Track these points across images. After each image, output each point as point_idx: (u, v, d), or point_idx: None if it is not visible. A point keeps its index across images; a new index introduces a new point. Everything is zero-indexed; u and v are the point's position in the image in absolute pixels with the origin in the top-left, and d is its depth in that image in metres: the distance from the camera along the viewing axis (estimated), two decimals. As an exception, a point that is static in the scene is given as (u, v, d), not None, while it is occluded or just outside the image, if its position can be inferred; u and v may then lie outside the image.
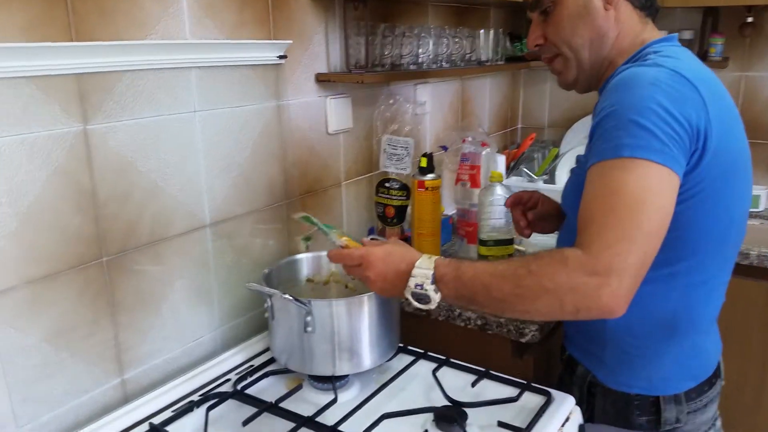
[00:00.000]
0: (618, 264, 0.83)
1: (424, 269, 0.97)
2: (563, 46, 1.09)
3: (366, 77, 1.46)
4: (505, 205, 1.37)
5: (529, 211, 1.32)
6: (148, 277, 1.14)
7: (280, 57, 1.33)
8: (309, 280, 1.32)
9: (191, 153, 1.19)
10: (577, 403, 1.12)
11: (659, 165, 0.86)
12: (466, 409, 1.06)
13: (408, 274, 0.98)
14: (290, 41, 1.35)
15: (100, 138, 1.02)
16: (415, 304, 0.99)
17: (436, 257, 0.99)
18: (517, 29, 2.42)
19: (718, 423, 1.17)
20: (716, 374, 1.13)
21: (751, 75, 2.23)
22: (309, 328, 1.09)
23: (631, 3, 1.06)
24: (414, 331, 1.36)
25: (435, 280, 0.96)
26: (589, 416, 1.13)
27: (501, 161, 1.69)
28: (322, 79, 1.48)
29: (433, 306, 0.97)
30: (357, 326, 1.12)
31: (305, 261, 1.31)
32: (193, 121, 1.18)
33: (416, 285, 0.96)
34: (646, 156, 0.86)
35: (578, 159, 1.11)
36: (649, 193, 0.86)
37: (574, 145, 2.35)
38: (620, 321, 1.04)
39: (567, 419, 1.08)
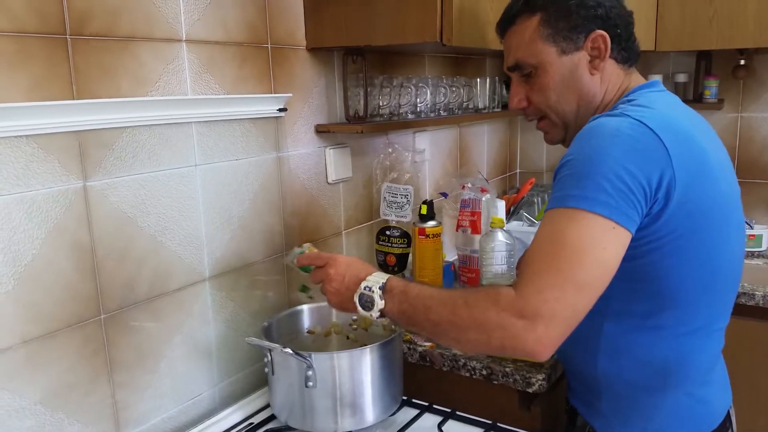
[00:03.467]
0: (545, 311, 0.84)
1: (377, 277, 1.01)
2: (549, 112, 1.10)
3: (365, 127, 1.47)
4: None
5: None
6: (146, 333, 1.12)
7: (281, 110, 1.35)
8: (310, 332, 1.30)
9: (191, 207, 1.19)
10: None
11: (604, 218, 0.86)
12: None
13: (363, 279, 1.02)
14: (290, 94, 1.37)
15: (100, 194, 1.03)
16: (360, 309, 1.01)
17: (389, 276, 1.02)
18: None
19: None
20: (725, 425, 1.08)
21: (746, 116, 2.25)
22: (310, 383, 1.07)
23: (614, 60, 1.07)
24: (418, 383, 1.34)
25: (384, 289, 0.99)
26: None
27: (501, 207, 1.69)
28: (321, 130, 1.49)
29: (374, 315, 0.99)
30: (360, 379, 1.10)
31: (306, 313, 1.30)
32: (194, 175, 1.19)
33: (365, 287, 1.00)
34: (590, 208, 0.86)
35: None
36: (590, 245, 0.86)
37: (574, 188, 2.35)
38: (611, 369, 1.04)
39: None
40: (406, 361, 1.38)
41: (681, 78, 2.29)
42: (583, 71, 1.06)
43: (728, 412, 1.11)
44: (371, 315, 1.00)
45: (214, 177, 1.23)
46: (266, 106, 1.31)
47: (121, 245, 1.07)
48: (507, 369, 1.30)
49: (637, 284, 0.96)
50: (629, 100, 1.01)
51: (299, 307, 1.29)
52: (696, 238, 0.94)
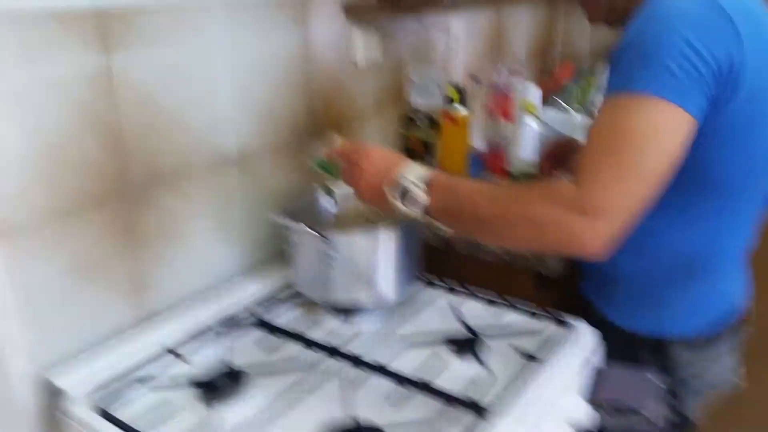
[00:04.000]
0: (609, 206, 0.79)
1: (419, 170, 0.93)
2: None
3: (396, 8, 1.41)
4: (541, 167, 1.32)
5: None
6: (171, 211, 1.16)
7: (305, -13, 1.30)
8: (333, 215, 1.33)
9: (216, 88, 1.19)
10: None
11: (672, 104, 0.80)
12: (486, 339, 1.08)
13: (399, 174, 0.93)
14: (314, -30, 1.32)
15: (123, 72, 1.03)
16: (399, 206, 0.93)
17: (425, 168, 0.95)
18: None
19: (741, 370, 1.14)
20: (742, 320, 1.09)
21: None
22: (331, 262, 1.11)
23: None
24: (438, 265, 1.37)
25: (427, 183, 0.91)
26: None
27: (535, 94, 1.64)
28: (349, 10, 1.44)
29: (416, 212, 0.92)
30: (379, 259, 1.14)
31: (328, 199, 1.32)
32: (218, 55, 1.18)
33: (406, 180, 0.92)
34: (658, 93, 0.80)
35: None
36: (655, 134, 0.80)
37: (616, 76, 2.25)
38: (636, 265, 1.03)
39: (586, 351, 1.08)
40: (428, 245, 1.41)
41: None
42: None
43: (746, 306, 1.11)
44: (413, 211, 0.92)
45: (238, 58, 1.21)
46: (290, -17, 1.27)
47: (145, 123, 1.08)
48: (525, 252, 1.32)
49: (680, 175, 0.87)
50: None
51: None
52: (754, 134, 0.89)
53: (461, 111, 1.50)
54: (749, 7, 0.88)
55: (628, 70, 0.83)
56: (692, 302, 1.05)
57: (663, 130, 0.81)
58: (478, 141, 1.83)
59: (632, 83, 0.82)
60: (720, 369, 1.09)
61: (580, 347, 1.07)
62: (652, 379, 1.05)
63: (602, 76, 2.30)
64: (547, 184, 0.84)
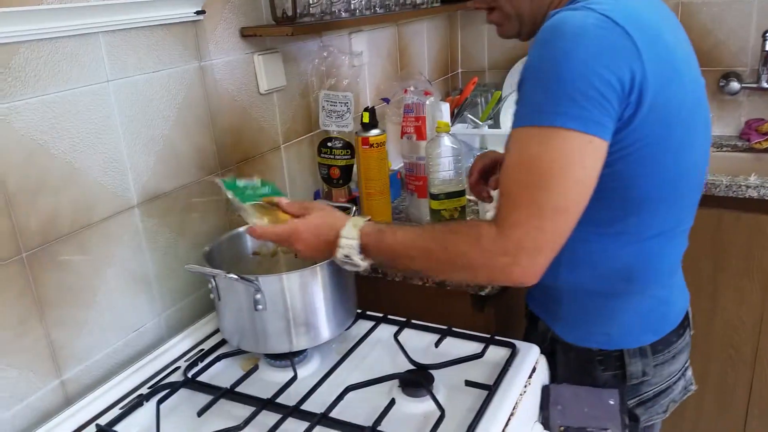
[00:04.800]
0: (528, 243, 0.82)
1: (350, 239, 0.96)
2: (503, 2, 1.00)
3: (295, 29, 1.35)
4: (470, 186, 1.29)
5: (492, 177, 1.26)
6: (75, 268, 1.04)
7: (198, 12, 1.21)
8: (255, 254, 1.24)
9: (108, 128, 1.07)
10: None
11: (580, 133, 0.80)
12: (432, 371, 1.02)
13: (336, 245, 0.97)
14: (208, -5, 1.23)
15: (2, 121, 0.91)
16: (347, 268, 1.01)
17: (362, 223, 0.98)
18: (450, -31, 2.32)
19: (689, 372, 1.15)
20: (684, 324, 1.10)
21: (686, 1, 2.21)
22: (260, 306, 1.02)
23: None
24: (372, 295, 1.31)
25: (361, 250, 0.97)
26: (552, 374, 1.10)
27: (446, 110, 1.63)
28: (247, 34, 1.36)
29: (362, 269, 0.99)
30: (311, 298, 1.06)
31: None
32: (107, 92, 1.07)
33: (344, 256, 0.97)
34: (564, 124, 0.79)
35: None
36: (566, 165, 0.81)
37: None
38: (573, 278, 1.01)
39: (534, 370, 1.06)
40: (359, 275, 1.34)
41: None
42: None
43: (687, 310, 1.12)
44: (359, 270, 1.00)
45: (130, 93, 1.11)
46: (181, 8, 1.18)
47: (34, 176, 0.96)
48: (460, 274, 1.29)
49: (600, 193, 0.87)
50: None
51: (241, 229, 1.22)
52: (664, 144, 0.89)
53: (375, 133, 1.46)
54: (640, 14, 0.87)
55: (533, 103, 0.83)
56: (637, 312, 1.04)
57: (575, 161, 0.81)
58: (395, 162, 1.79)
59: (539, 117, 0.81)
60: (673, 375, 1.09)
61: (526, 369, 1.04)
62: (610, 397, 1.04)
63: (507, 88, 2.34)
64: (470, 229, 0.89)
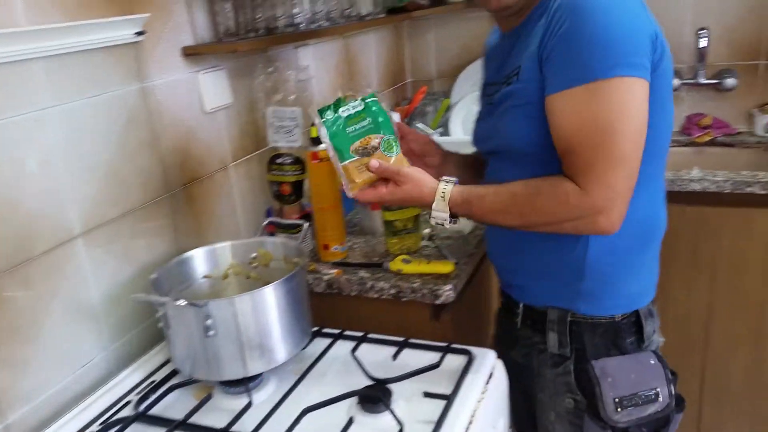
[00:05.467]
0: (611, 194, 0.90)
1: (440, 212, 1.02)
2: None
3: (239, 45, 1.34)
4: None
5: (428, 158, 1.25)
6: (17, 304, 0.99)
7: (138, 34, 1.18)
8: (206, 277, 1.21)
9: (48, 156, 1.04)
10: (559, 350, 1.10)
11: (635, 78, 0.88)
12: (390, 385, 1.02)
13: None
14: (147, 14, 1.20)
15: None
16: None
17: (450, 192, 1.01)
18: (394, -21, 2.33)
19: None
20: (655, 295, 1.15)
21: None
22: (211, 332, 1.00)
23: None
24: (328, 312, 1.30)
25: (451, 218, 1.02)
26: (578, 357, 1.09)
27: (396, 119, 1.63)
28: (190, 53, 1.34)
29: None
30: (265, 320, 1.04)
31: (198, 257, 1.21)
32: (45, 119, 1.03)
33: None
34: (622, 73, 0.87)
35: (507, 93, 1.03)
36: (627, 115, 0.88)
37: (465, 93, 2.32)
38: (602, 244, 1.03)
39: (491, 375, 1.07)
40: (313, 292, 1.33)
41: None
42: None
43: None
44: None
45: (70, 119, 1.07)
46: (120, 30, 1.15)
47: (-35, 210, 0.92)
48: (414, 285, 1.29)
49: None
50: None
51: (189, 253, 1.19)
52: (667, 97, 0.99)
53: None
54: None
55: (579, 63, 0.88)
56: (647, 266, 1.09)
57: (636, 106, 0.89)
58: (345, 174, 1.78)
59: (591, 73, 0.87)
60: (657, 332, 1.13)
61: (483, 375, 1.05)
62: (649, 358, 1.06)
63: (456, 96, 2.36)
64: (556, 189, 0.94)
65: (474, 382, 1.03)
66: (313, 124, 1.41)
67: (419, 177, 1.02)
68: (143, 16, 1.19)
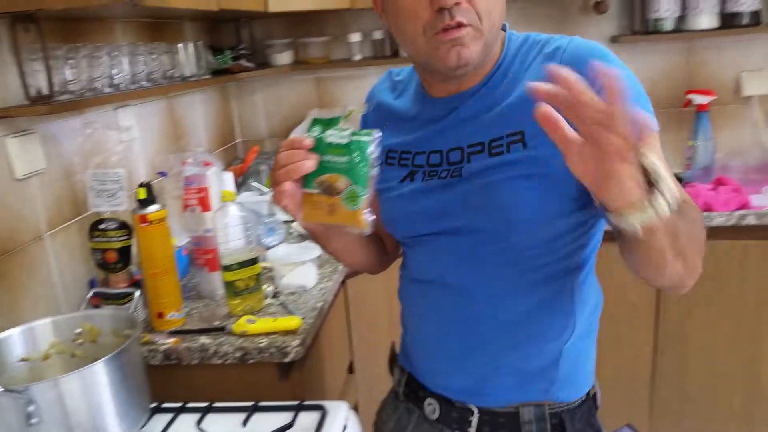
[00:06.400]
0: None
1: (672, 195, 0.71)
2: (483, 19, 0.87)
3: (52, 107, 1.25)
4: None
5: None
6: None
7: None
8: (24, 360, 1.08)
9: None
10: None
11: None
12: (242, 455, 0.97)
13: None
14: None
15: None
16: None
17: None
18: (217, 41, 2.35)
19: None
20: None
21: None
22: (34, 420, 0.89)
23: None
24: (166, 385, 1.21)
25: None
26: None
27: (229, 179, 1.60)
28: (-4, 116, 1.22)
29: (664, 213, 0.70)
30: (96, 400, 0.95)
31: (13, 339, 1.07)
32: None
33: (656, 214, 0.69)
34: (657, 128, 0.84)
35: (500, 162, 0.89)
36: None
37: (297, 151, 2.35)
38: (583, 324, 0.97)
39: (345, 427, 1.06)
40: (149, 365, 1.24)
41: (377, 35, 2.42)
42: None
43: None
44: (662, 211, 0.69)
45: None
46: None
47: None
48: (261, 344, 1.25)
49: (593, 218, 0.93)
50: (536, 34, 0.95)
51: (3, 335, 1.06)
52: None
53: (154, 209, 1.38)
54: None
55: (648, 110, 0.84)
56: (595, 338, 1.03)
57: None
58: (179, 236, 1.71)
59: (654, 125, 0.81)
60: None
61: (338, 426, 1.04)
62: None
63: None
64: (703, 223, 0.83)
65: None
66: (141, 185, 1.34)
67: None
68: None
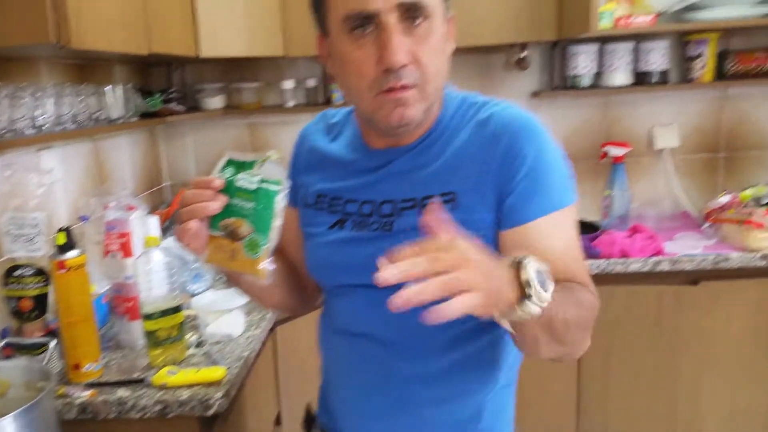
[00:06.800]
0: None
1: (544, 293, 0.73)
2: (430, 80, 0.87)
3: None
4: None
5: None
6: None
7: None
8: None
9: None
10: None
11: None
12: None
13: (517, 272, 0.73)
14: None
15: None
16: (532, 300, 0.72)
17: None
18: (147, 84, 2.32)
19: None
20: None
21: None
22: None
23: None
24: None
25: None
26: None
27: (154, 224, 1.57)
28: None
29: (537, 311, 0.73)
30: (0, 460, 0.89)
31: None
32: None
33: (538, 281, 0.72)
34: (575, 199, 0.91)
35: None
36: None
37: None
38: (507, 376, 0.99)
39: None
40: (63, 421, 1.18)
41: (311, 83, 2.45)
42: (449, 45, 0.92)
43: None
44: (536, 309, 0.72)
45: None
46: None
47: None
48: (182, 397, 1.21)
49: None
50: (472, 96, 0.98)
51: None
52: None
53: (73, 255, 1.33)
54: None
55: (559, 187, 0.90)
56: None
57: None
58: (99, 283, 1.65)
59: (568, 197, 0.90)
60: None
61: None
62: None
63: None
64: (584, 289, 0.88)
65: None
66: (60, 229, 1.30)
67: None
68: None
